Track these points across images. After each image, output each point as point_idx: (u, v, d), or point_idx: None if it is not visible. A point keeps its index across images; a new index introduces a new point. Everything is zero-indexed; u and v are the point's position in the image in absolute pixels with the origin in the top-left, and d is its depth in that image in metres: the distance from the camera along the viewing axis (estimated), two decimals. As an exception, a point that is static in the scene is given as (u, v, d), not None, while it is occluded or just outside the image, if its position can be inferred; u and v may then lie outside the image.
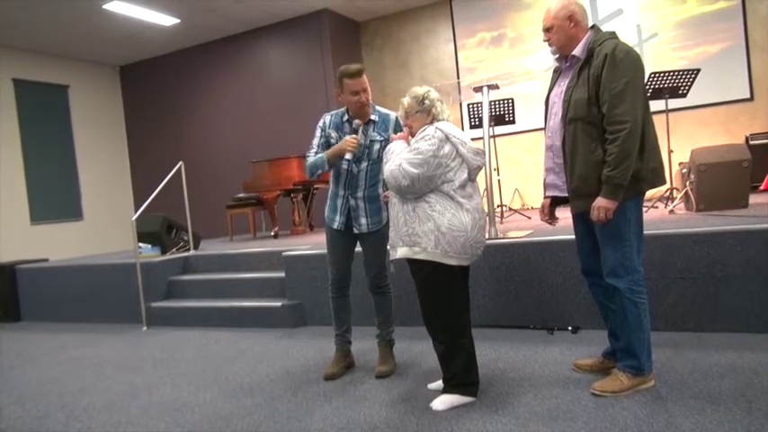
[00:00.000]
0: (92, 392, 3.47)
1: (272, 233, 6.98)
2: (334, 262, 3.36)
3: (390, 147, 2.84)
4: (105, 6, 7.74)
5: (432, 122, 2.73)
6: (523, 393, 2.71)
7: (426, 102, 2.75)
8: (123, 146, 10.83)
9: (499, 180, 6.35)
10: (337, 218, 3.29)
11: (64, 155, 9.79)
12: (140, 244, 5.85)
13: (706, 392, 2.52)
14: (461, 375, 2.70)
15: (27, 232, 8.98)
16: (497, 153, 6.35)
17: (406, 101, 2.79)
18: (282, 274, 4.86)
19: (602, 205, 2.47)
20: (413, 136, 2.75)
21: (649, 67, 7.24)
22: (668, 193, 5.48)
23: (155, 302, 5.46)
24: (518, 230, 4.62)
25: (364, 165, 3.22)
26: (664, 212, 4.98)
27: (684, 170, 5.22)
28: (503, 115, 6.23)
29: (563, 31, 2.63)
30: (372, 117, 3.25)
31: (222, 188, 9.05)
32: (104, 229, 9.92)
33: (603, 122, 2.48)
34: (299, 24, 8.98)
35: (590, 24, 2.67)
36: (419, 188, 2.61)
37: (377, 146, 3.21)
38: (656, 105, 5.74)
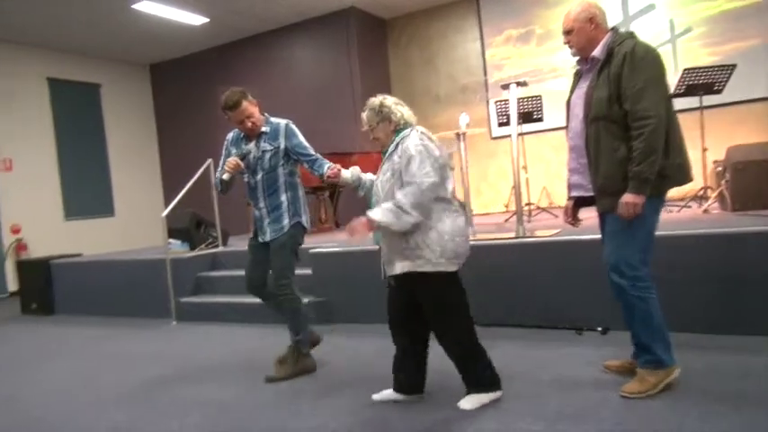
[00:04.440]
0: (123, 385, 3.54)
1: (299, 230, 7.03)
2: (246, 269, 3.49)
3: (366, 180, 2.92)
4: (134, 6, 7.87)
5: (395, 129, 2.70)
6: (551, 394, 2.69)
7: (384, 109, 2.71)
8: (153, 143, 11.02)
9: (527, 178, 6.29)
10: (252, 228, 3.48)
11: (96, 152, 10.01)
12: (170, 240, 5.95)
13: (730, 395, 2.47)
14: (488, 374, 2.68)
15: (61, 228, 9.20)
16: (525, 151, 6.28)
17: (364, 115, 2.78)
18: (309, 271, 4.89)
19: (629, 201, 2.45)
20: (381, 148, 2.73)
21: (682, 63, 7.09)
22: (702, 193, 5.35)
23: (184, 298, 5.54)
24: (545, 229, 4.57)
25: (260, 176, 3.36)
26: (697, 212, 4.87)
27: (719, 169, 5.10)
28: (530, 113, 6.17)
29: (583, 34, 2.63)
30: (264, 129, 3.37)
31: (249, 185, 9.15)
32: (135, 225, 10.10)
33: (627, 119, 2.47)
34: (325, 22, 9.01)
35: (610, 26, 2.67)
36: (434, 197, 2.55)
37: (268, 155, 3.34)
38: (690, 102, 5.65)
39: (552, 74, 8.09)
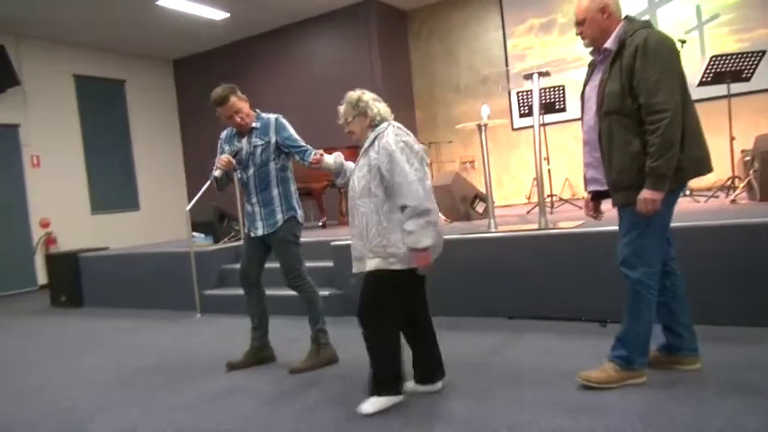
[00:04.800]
0: (150, 376, 3.61)
1: (320, 223, 7.06)
2: (241, 263, 3.61)
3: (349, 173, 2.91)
4: (158, 2, 7.96)
5: (371, 125, 2.70)
6: (575, 386, 2.66)
7: (361, 104, 2.72)
8: (177, 138, 11.16)
9: (549, 170, 6.22)
10: (247, 223, 3.55)
11: (121, 147, 10.17)
12: (194, 233, 6.03)
13: (763, 388, 2.43)
14: (393, 377, 2.68)
15: (88, 222, 9.39)
16: (547, 142, 6.22)
17: (341, 108, 2.78)
18: (330, 264, 4.92)
19: (647, 197, 2.40)
20: (359, 142, 2.73)
21: (709, 50, 6.94)
22: (730, 182, 5.24)
23: (208, 290, 5.62)
24: (569, 221, 4.52)
25: (251, 171, 3.41)
26: (725, 202, 4.78)
27: (747, 158, 4.99)
28: (553, 103, 6.10)
29: (596, 24, 2.57)
30: (254, 125, 3.42)
31: (271, 179, 9.22)
32: (159, 218, 10.25)
33: (641, 113, 2.41)
34: (345, 15, 9.00)
35: (624, 15, 2.60)
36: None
37: (259, 150, 3.39)
38: (717, 90, 5.53)
39: (575, 63, 7.98)
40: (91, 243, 8.02)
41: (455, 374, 3.01)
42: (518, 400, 2.60)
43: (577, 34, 2.67)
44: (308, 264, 5.27)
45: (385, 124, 2.69)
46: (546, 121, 6.33)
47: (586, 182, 2.78)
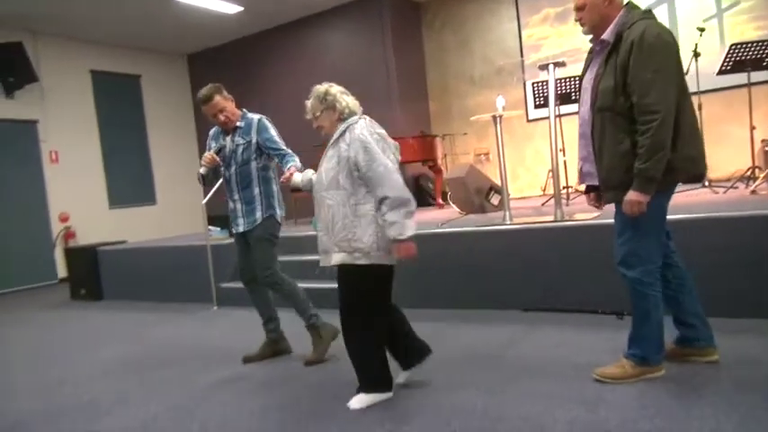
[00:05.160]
0: (167, 368, 3.66)
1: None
2: (237, 262, 3.66)
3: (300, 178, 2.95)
4: (173, -3, 8.00)
5: (340, 118, 2.68)
6: (590, 379, 2.65)
7: (329, 97, 2.69)
8: (192, 132, 11.22)
9: (565, 161, 6.17)
10: (230, 219, 3.62)
11: (137, 142, 10.26)
12: (210, 227, 6.08)
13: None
14: (380, 375, 2.68)
15: (106, 216, 9.49)
16: (563, 133, 6.16)
17: (308, 103, 2.75)
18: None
19: (633, 199, 2.36)
20: (327, 137, 2.71)
21: (729, 38, 6.81)
22: (750, 173, 5.16)
23: (224, 283, 5.66)
24: (584, 212, 4.48)
25: (233, 168, 3.48)
26: (744, 193, 4.70)
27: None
28: (569, 94, 6.03)
29: (596, 10, 2.49)
30: (239, 124, 3.50)
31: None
32: (176, 212, 10.34)
33: (633, 112, 2.35)
34: (359, 7, 8.97)
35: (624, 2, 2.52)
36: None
37: (240, 149, 3.45)
38: (737, 79, 5.44)
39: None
40: (109, 237, 8.12)
41: (470, 367, 3.02)
42: (533, 392, 2.59)
43: (576, 20, 2.58)
44: (311, 258, 5.33)
45: (356, 117, 2.67)
46: (561, 113, 6.26)
47: (581, 176, 2.74)
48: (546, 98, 5.68)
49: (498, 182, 5.30)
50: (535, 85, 6.20)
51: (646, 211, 2.38)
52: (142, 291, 6.42)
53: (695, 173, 2.46)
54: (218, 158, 3.47)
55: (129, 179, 10.01)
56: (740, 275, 3.29)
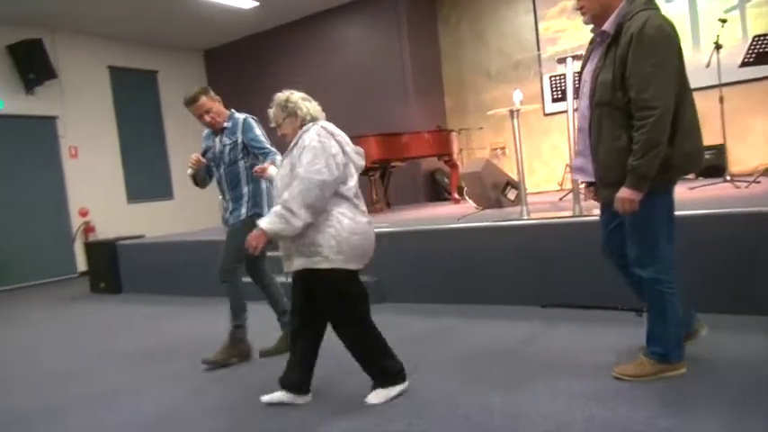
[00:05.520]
0: (183, 361, 3.68)
1: (351, 211, 7.06)
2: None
3: (274, 177, 2.85)
4: (190, -8, 8.04)
5: (302, 125, 2.67)
6: (610, 376, 2.62)
7: (290, 104, 2.69)
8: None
9: (583, 155, 6.10)
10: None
11: (155, 137, 10.34)
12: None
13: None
14: (390, 367, 2.67)
15: (124, 211, 9.60)
16: (581, 127, 6.08)
17: (271, 112, 2.75)
18: (362, 252, 4.92)
19: (625, 197, 2.32)
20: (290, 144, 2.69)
21: (752, 30, 6.68)
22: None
23: (242, 277, 5.68)
24: (604, 207, 4.43)
25: (222, 169, 3.54)
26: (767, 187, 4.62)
27: (792, 141, 4.80)
28: (587, 87, 5.95)
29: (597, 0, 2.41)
30: (225, 124, 3.53)
31: (302, 167, 9.25)
32: (193, 207, 10.40)
33: (630, 107, 2.29)
34: (374, 1, 8.94)
35: None
36: (328, 195, 2.52)
37: (227, 149, 3.50)
38: (761, 71, 5.33)
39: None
40: (127, 231, 8.20)
41: (488, 363, 3.00)
42: (553, 389, 2.57)
43: (577, 9, 2.51)
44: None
45: (311, 124, 2.66)
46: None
47: (573, 170, 2.69)
48: (563, 92, 5.62)
49: (515, 176, 5.26)
50: (553, 78, 6.13)
51: (649, 212, 2.34)
52: (160, 284, 6.48)
53: (691, 169, 2.43)
54: (203, 159, 3.54)
55: (147, 174, 10.10)
56: (741, 272, 3.24)
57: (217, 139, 3.56)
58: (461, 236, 4.42)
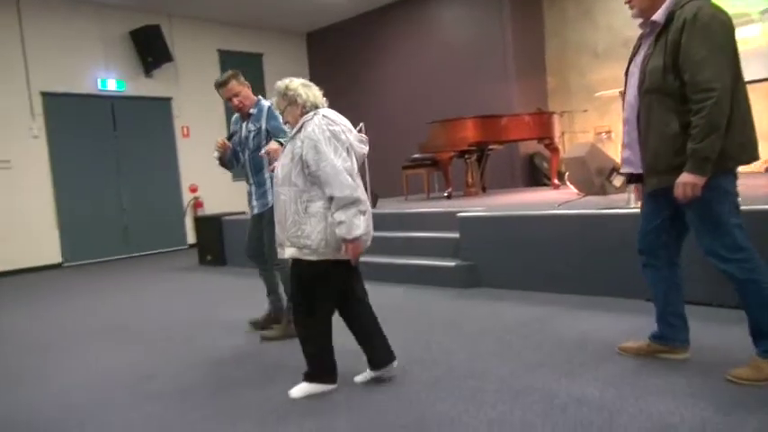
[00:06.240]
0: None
1: (446, 194, 7.03)
2: (246, 238, 3.84)
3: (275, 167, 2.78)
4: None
5: (303, 112, 2.62)
6: (722, 378, 2.43)
7: (289, 92, 2.64)
8: (309, 109, 11.61)
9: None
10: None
11: (259, 118, 10.78)
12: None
13: None
14: (324, 366, 2.66)
15: (230, 188, 10.12)
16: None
17: (273, 101, 2.69)
18: (456, 235, 4.89)
19: (687, 181, 2.21)
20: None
21: None
22: None
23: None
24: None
25: (247, 154, 3.65)
26: None
27: None
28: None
29: None
30: (252, 111, 3.62)
31: (399, 148, 9.24)
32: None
33: (683, 91, 2.20)
34: (476, -21, 8.74)
35: None
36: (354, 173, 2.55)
37: (251, 135, 3.60)
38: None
39: (738, 20, 7.12)
40: (232, 207, 8.67)
41: (589, 356, 2.89)
42: (656, 388, 2.42)
43: (626, 2, 2.46)
44: (433, 234, 5.33)
45: (312, 113, 2.61)
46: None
47: (622, 162, 2.60)
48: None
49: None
50: (668, 57, 5.71)
51: (714, 196, 2.25)
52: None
53: (747, 160, 2.30)
54: (228, 143, 3.64)
55: (251, 153, 10.56)
56: None
57: (243, 125, 3.67)
58: (561, 222, 4.25)
